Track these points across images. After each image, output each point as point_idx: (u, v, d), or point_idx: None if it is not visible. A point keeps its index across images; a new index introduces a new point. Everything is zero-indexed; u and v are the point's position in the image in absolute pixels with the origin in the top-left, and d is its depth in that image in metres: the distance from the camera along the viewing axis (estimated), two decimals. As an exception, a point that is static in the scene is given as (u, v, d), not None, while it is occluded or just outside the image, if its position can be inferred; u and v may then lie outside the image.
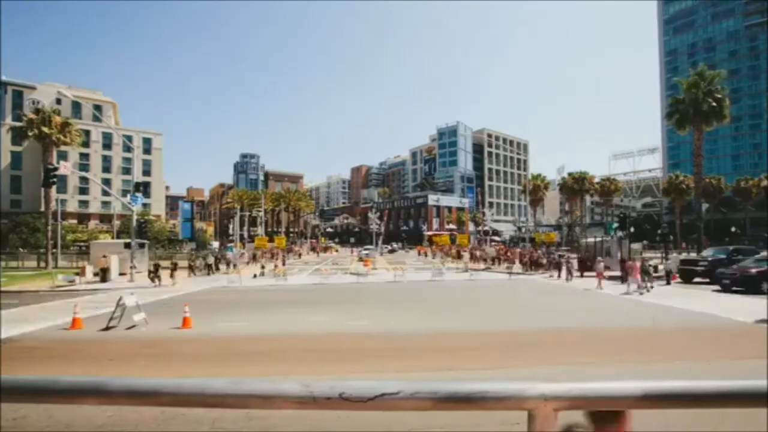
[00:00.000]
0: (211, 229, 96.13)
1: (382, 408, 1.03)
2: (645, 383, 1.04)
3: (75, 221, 68.11)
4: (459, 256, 43.27)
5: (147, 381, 1.08)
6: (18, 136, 42.71)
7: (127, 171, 71.86)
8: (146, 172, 76.41)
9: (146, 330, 11.71)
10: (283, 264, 37.21)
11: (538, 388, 1.04)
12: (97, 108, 64.84)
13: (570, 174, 72.04)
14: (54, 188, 33.61)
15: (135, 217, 26.85)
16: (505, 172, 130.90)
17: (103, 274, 25.53)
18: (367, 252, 53.70)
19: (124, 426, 4.74)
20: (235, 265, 33.92)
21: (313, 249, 67.52)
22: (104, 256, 26.44)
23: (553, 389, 1.04)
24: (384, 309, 15.53)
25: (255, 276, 28.51)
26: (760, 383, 1.03)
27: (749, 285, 17.79)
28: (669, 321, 12.74)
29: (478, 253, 43.84)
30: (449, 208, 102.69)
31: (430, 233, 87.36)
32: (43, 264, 35.82)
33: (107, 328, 11.78)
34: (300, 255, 57.59)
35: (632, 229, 31.54)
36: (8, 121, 64.07)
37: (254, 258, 41.88)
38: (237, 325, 12.42)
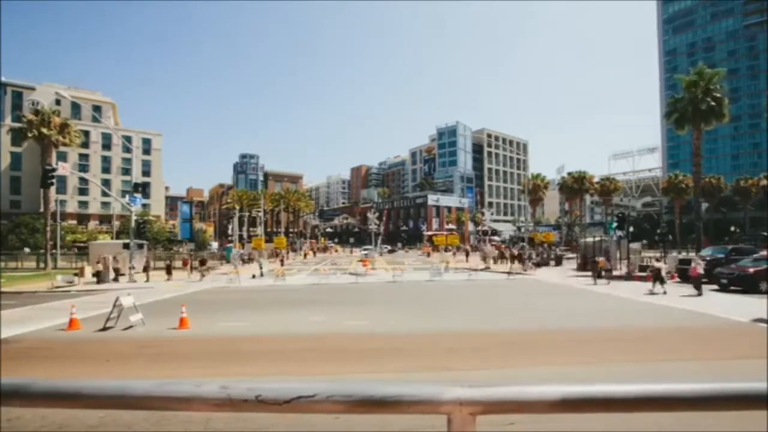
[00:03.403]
0: (210, 230, 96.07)
1: (298, 410, 1.03)
2: (565, 387, 1.03)
3: (75, 222, 68.10)
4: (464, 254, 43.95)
5: (69, 383, 1.06)
6: (17, 137, 42.75)
7: (126, 171, 71.78)
8: (146, 173, 76.34)
9: (143, 330, 11.69)
10: (282, 264, 37.18)
11: (454, 392, 1.02)
12: (97, 109, 64.81)
13: (569, 174, 72.02)
14: (53, 189, 33.60)
15: (134, 218, 26.84)
16: (505, 172, 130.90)
17: (101, 275, 25.51)
18: (366, 252, 53.68)
19: (117, 426, 4.72)
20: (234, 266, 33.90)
21: (312, 251, 66.54)
22: (102, 258, 26.41)
23: (468, 393, 1.02)
24: (382, 309, 15.51)
25: (254, 276, 28.50)
26: (681, 387, 1.04)
27: (747, 284, 17.79)
28: (668, 321, 12.73)
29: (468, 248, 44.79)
30: (449, 208, 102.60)
31: (429, 233, 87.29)
32: (42, 265, 35.80)
33: (104, 329, 11.75)
34: (305, 255, 57.68)
35: (631, 229, 31.48)
36: (8, 121, 64.08)
37: (251, 260, 40.74)
38: (235, 325, 12.39)
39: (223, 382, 1.06)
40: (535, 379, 7.09)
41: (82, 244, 50.27)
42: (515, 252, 37.00)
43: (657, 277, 18.66)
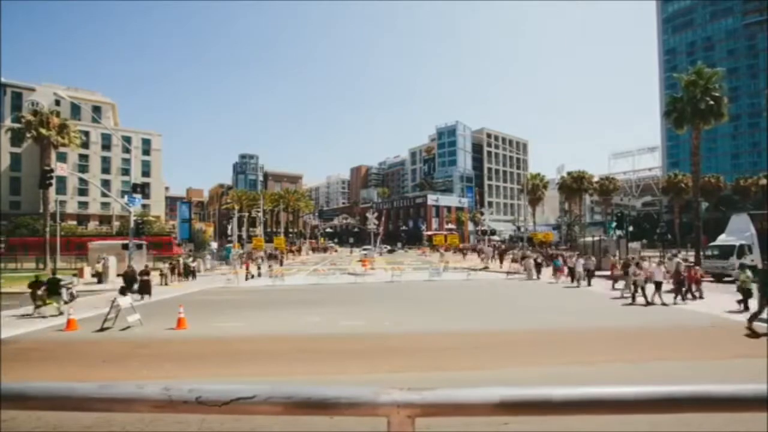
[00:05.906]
0: (210, 230, 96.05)
1: (238, 412, 1.04)
2: (503, 390, 1.03)
3: (74, 222, 68.10)
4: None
5: (16, 385, 1.08)
6: (17, 137, 42.76)
7: (126, 172, 71.73)
8: (146, 173, 76.30)
9: (141, 331, 11.71)
10: (281, 264, 37.21)
11: (391, 395, 1.03)
12: (96, 109, 64.79)
13: (569, 173, 72.01)
14: (53, 189, 33.56)
15: (132, 218, 26.83)
16: (505, 172, 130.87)
17: (101, 276, 25.55)
18: (365, 252, 53.72)
19: (112, 426, 4.75)
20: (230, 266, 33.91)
21: (313, 250, 66.37)
22: (101, 259, 26.44)
23: (406, 396, 1.03)
24: (379, 309, 15.53)
25: (252, 276, 28.52)
26: (612, 389, 1.03)
27: None
28: (664, 320, 12.74)
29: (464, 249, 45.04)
30: (448, 208, 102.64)
31: (429, 233, 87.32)
32: (41, 265, 35.78)
33: (102, 329, 11.78)
34: (300, 253, 57.73)
35: (631, 228, 31.50)
36: (8, 122, 64.06)
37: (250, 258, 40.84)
38: (232, 326, 12.42)
39: (166, 384, 1.08)
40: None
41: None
42: (514, 253, 37.32)
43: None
